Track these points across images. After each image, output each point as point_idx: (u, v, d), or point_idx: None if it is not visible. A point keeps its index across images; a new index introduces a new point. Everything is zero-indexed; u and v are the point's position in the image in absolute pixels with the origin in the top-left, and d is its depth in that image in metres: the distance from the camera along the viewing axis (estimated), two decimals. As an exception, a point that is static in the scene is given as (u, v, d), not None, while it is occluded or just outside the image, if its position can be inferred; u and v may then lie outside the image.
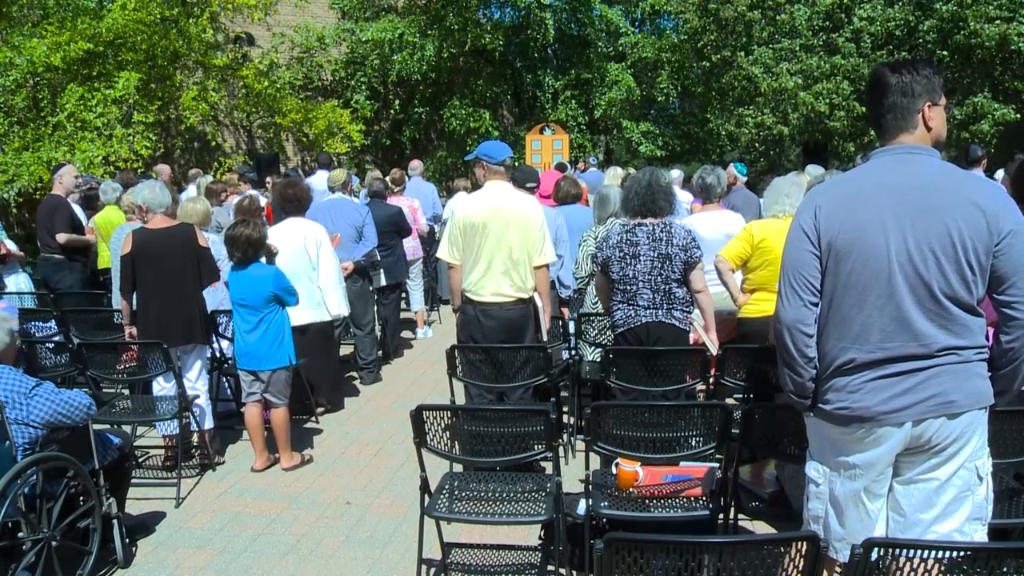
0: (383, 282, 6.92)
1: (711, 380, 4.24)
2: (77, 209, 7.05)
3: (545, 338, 4.47)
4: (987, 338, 2.24)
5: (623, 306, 4.13)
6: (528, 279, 4.35)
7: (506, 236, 4.28)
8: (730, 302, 4.68)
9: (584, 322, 5.04)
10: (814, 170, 7.20)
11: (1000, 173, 9.01)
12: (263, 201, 7.42)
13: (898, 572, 1.93)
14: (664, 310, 4.06)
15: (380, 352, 6.95)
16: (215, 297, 5.64)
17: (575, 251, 5.60)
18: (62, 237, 6.70)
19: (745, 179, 8.29)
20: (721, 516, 3.25)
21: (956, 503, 2.22)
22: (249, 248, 4.60)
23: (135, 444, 5.03)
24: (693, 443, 3.20)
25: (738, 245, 4.36)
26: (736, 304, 4.48)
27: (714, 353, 4.17)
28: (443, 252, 4.57)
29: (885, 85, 2.25)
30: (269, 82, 13.94)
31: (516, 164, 13.13)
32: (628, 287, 4.09)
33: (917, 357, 2.16)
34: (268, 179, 10.06)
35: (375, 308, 6.90)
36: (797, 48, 13.63)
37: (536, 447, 3.18)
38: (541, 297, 4.42)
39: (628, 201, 4.20)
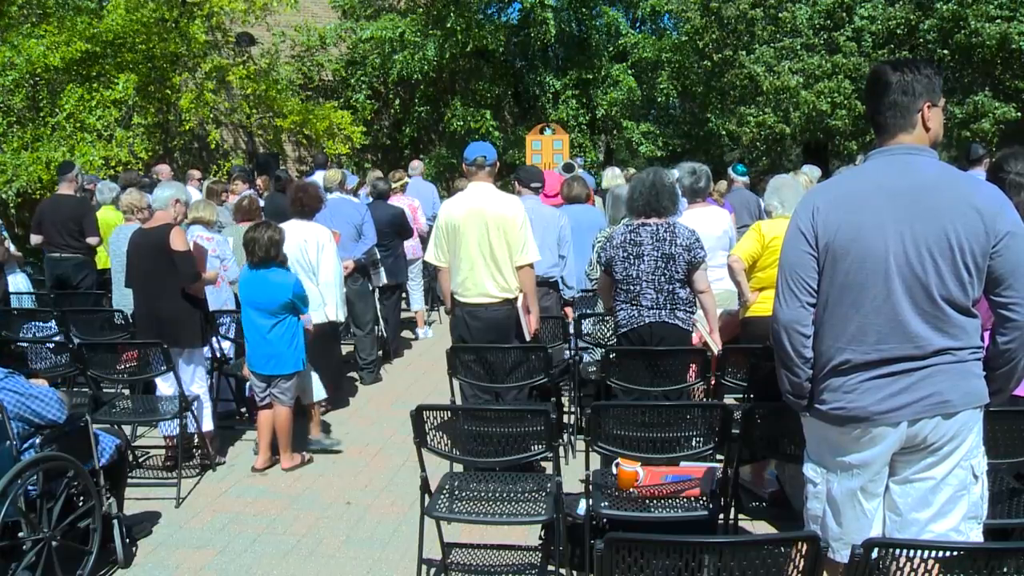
0: (383, 281, 6.92)
1: (711, 380, 4.23)
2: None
3: (528, 339, 4.47)
4: (981, 338, 2.24)
5: (626, 306, 4.12)
6: (512, 279, 4.36)
7: (486, 237, 4.30)
8: (731, 302, 4.68)
9: (587, 322, 5.03)
10: (811, 171, 7.21)
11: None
12: (261, 202, 7.41)
13: (898, 572, 1.93)
14: (667, 311, 4.04)
15: (380, 352, 6.95)
16: (218, 297, 5.64)
17: (581, 252, 5.59)
18: (94, 240, 6.79)
19: (745, 180, 8.29)
20: (721, 516, 3.25)
21: (952, 502, 2.22)
22: (271, 250, 4.60)
23: (135, 444, 5.05)
24: (693, 443, 3.20)
25: (750, 244, 4.32)
26: (747, 303, 4.47)
27: (716, 352, 4.16)
28: (430, 255, 4.60)
29: (885, 83, 2.24)
30: (268, 83, 13.93)
31: (519, 164, 13.19)
32: (631, 287, 4.08)
33: (912, 358, 2.16)
34: (259, 179, 9.99)
35: (376, 308, 6.90)
36: (798, 47, 13.62)
37: (536, 447, 3.18)
38: (527, 297, 4.43)
39: (632, 201, 4.17)
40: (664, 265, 4.01)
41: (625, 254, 4.08)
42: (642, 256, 4.04)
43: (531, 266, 4.42)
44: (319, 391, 5.04)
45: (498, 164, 4.67)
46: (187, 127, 13.20)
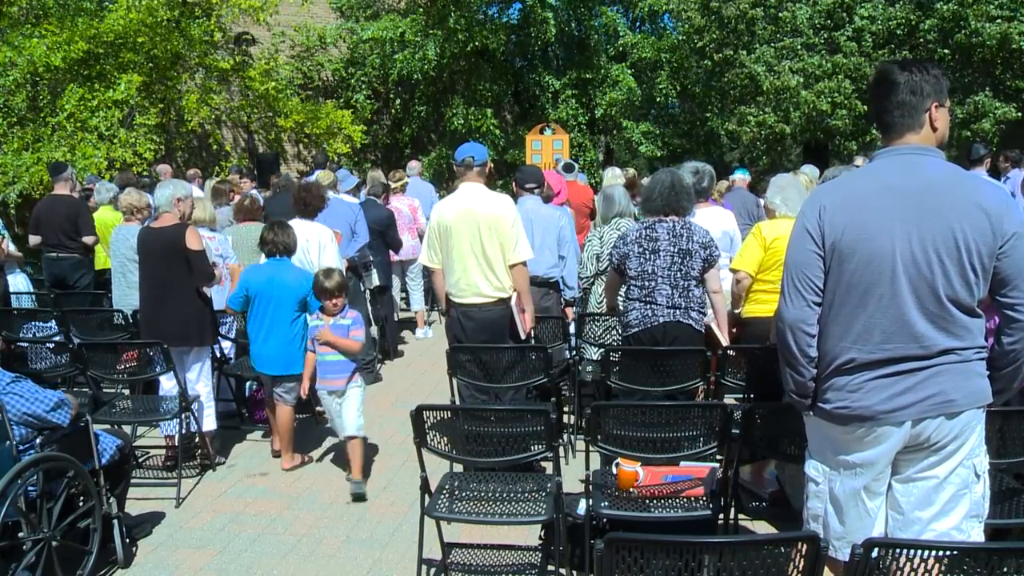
0: (376, 282, 6.92)
1: (711, 380, 4.23)
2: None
3: (523, 337, 4.47)
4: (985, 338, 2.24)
5: (639, 305, 4.08)
6: (506, 278, 4.36)
7: (478, 237, 4.30)
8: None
9: (588, 322, 5.03)
10: (811, 171, 7.21)
11: (1015, 172, 9.02)
12: (261, 201, 7.41)
13: (898, 571, 1.92)
14: (682, 309, 4.02)
15: (379, 354, 6.94)
16: (221, 297, 5.63)
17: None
18: (90, 239, 6.81)
19: (748, 180, 8.29)
20: (721, 516, 3.25)
21: (954, 501, 2.23)
22: (291, 247, 4.66)
23: (135, 444, 5.04)
24: (693, 443, 3.20)
25: (754, 252, 4.26)
26: (736, 311, 4.46)
27: (724, 344, 4.15)
28: (423, 257, 4.60)
29: (893, 82, 2.24)
30: (272, 84, 13.95)
31: (520, 164, 13.19)
32: (646, 283, 4.06)
33: (917, 358, 2.16)
34: (273, 177, 10.03)
35: (369, 309, 6.87)
36: (799, 47, 13.62)
37: (536, 447, 3.18)
38: (521, 295, 4.42)
39: (651, 201, 4.16)
40: (680, 261, 4.00)
41: (640, 249, 4.07)
42: (658, 252, 4.03)
43: (524, 264, 4.42)
44: (357, 422, 4.40)
45: (489, 164, 4.66)
46: (190, 127, 13.21)
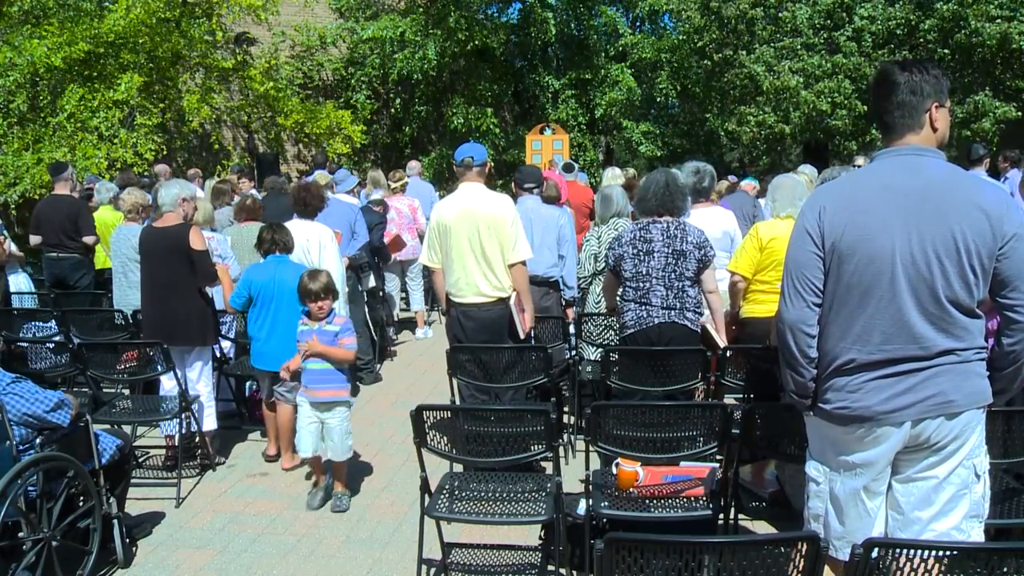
0: (372, 283, 6.92)
1: (711, 380, 4.23)
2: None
3: (522, 336, 4.47)
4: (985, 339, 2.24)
5: (634, 306, 4.08)
6: (505, 278, 4.37)
7: (477, 237, 4.31)
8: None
9: (586, 322, 5.04)
10: (809, 171, 7.22)
11: (1014, 172, 9.03)
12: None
13: (898, 571, 1.93)
14: (677, 310, 4.01)
15: (377, 355, 6.94)
16: (218, 296, 5.63)
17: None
18: (91, 239, 6.82)
19: (757, 188, 8.28)
20: (721, 516, 3.25)
21: (954, 501, 2.23)
22: (290, 243, 4.72)
23: (135, 444, 5.04)
24: (693, 443, 3.20)
25: (749, 254, 4.25)
26: (736, 314, 4.46)
27: (722, 346, 4.15)
28: (424, 257, 4.62)
29: (893, 82, 2.24)
30: (272, 83, 13.96)
31: (520, 164, 13.20)
32: (641, 284, 4.05)
33: (917, 359, 2.16)
34: (267, 179, 10.05)
35: (365, 309, 6.87)
36: (798, 47, 13.63)
37: (536, 447, 3.18)
38: (521, 295, 4.43)
39: (645, 201, 4.16)
40: (675, 262, 3.99)
41: (635, 251, 4.06)
42: (652, 253, 4.02)
43: (523, 263, 4.42)
44: (344, 444, 4.15)
45: (489, 164, 4.66)
46: (190, 127, 13.21)
